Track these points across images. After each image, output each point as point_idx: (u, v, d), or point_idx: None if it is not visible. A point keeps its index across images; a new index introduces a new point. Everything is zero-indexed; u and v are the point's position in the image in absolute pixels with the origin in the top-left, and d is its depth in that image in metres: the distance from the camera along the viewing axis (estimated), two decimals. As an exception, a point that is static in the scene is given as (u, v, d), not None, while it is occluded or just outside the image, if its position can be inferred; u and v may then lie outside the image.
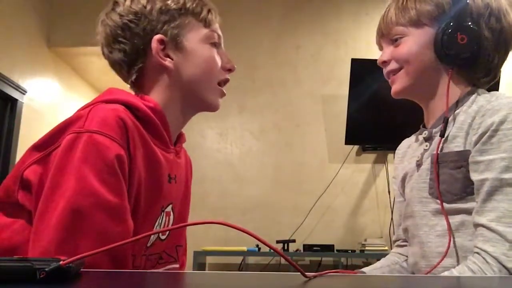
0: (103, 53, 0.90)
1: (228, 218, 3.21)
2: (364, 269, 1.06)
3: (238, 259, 3.17)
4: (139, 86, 0.90)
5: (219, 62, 0.91)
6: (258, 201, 3.31)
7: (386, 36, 0.99)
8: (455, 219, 0.86)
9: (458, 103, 0.92)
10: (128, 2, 0.87)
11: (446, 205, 0.87)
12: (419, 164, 0.95)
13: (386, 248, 3.04)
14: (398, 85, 0.97)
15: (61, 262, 0.42)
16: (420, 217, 0.93)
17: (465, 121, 0.88)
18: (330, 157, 3.39)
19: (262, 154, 3.42)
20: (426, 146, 0.95)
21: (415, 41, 0.94)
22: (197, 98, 0.91)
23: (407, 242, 1.03)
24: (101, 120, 0.71)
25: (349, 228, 3.28)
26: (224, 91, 0.94)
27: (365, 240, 3.11)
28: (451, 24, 0.90)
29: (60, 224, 0.65)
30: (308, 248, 3.02)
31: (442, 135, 0.90)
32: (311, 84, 3.49)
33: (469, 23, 0.90)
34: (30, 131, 3.48)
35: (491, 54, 0.92)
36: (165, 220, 0.87)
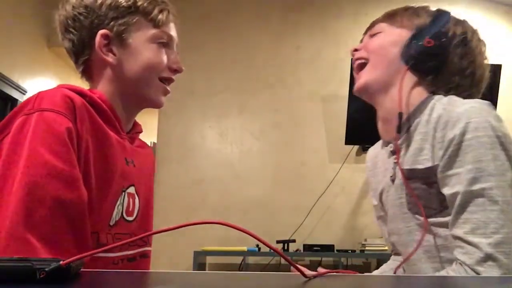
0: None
1: (228, 218, 3.21)
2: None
3: (238, 259, 3.17)
4: (88, 77, 0.94)
5: (165, 61, 0.93)
6: (258, 201, 3.31)
7: (368, 31, 1.03)
8: (440, 233, 0.87)
9: (415, 112, 0.93)
10: None
11: (427, 220, 0.87)
12: (393, 180, 0.96)
13: (386, 248, 3.04)
14: (362, 79, 0.99)
15: (61, 262, 0.42)
16: (406, 234, 0.93)
17: (428, 133, 0.88)
18: (330, 157, 3.39)
19: (262, 154, 3.43)
20: (395, 159, 0.95)
21: (388, 37, 0.97)
22: (137, 94, 0.93)
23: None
24: (49, 99, 0.76)
25: (349, 228, 3.29)
26: (168, 89, 0.96)
27: (365, 240, 3.11)
28: (425, 29, 0.93)
29: (17, 198, 0.68)
30: (308, 248, 3.02)
31: (398, 131, 0.91)
32: (311, 84, 3.49)
33: (441, 34, 0.92)
34: (30, 131, 3.48)
35: (453, 73, 0.93)
36: (130, 202, 0.90)
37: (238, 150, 3.45)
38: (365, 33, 1.04)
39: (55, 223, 0.70)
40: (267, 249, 2.96)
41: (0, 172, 0.71)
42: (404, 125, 0.93)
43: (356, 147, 3.37)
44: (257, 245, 2.98)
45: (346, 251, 3.04)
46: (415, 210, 0.89)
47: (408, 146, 0.91)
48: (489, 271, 0.77)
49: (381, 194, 1.03)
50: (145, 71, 0.91)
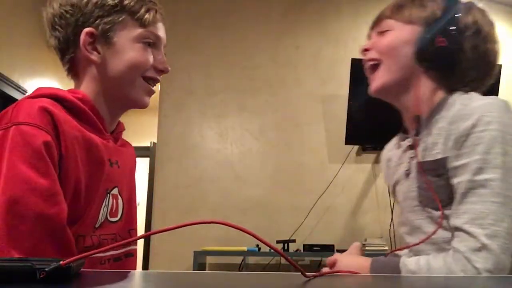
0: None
1: (228, 218, 3.20)
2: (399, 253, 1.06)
3: (238, 259, 3.17)
4: (73, 75, 0.94)
5: (150, 60, 0.92)
6: (258, 201, 3.31)
7: (376, 28, 1.01)
8: (447, 225, 0.87)
9: (436, 108, 0.93)
10: None
11: (437, 212, 0.87)
12: (408, 173, 0.96)
13: (386, 248, 3.04)
14: (377, 81, 0.98)
15: (61, 262, 0.42)
16: (415, 226, 0.94)
17: (443, 127, 0.89)
18: (330, 157, 3.39)
19: (262, 154, 3.42)
20: (413, 153, 0.95)
21: (399, 35, 0.96)
22: (121, 94, 0.92)
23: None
24: (26, 111, 0.75)
25: (349, 228, 3.28)
26: (153, 89, 0.95)
27: (365, 240, 3.11)
28: (435, 26, 0.91)
29: (0, 216, 0.68)
30: (308, 248, 3.02)
31: (416, 134, 0.92)
32: (311, 84, 3.49)
33: (452, 30, 0.91)
34: (30, 131, 3.48)
35: (469, 68, 0.93)
36: (113, 203, 0.90)
37: (238, 150, 3.45)
38: (372, 28, 1.03)
39: (37, 238, 0.70)
40: (267, 249, 2.95)
41: None
42: (425, 122, 0.93)
43: (356, 147, 3.37)
44: (257, 245, 2.98)
45: (346, 251, 3.04)
46: (426, 202, 0.89)
47: (417, 133, 0.92)
48: (482, 261, 0.77)
49: (394, 186, 1.03)
50: (129, 70, 0.90)
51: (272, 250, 0.50)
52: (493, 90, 0.95)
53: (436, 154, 0.88)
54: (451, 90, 0.94)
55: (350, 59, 3.18)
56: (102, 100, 0.91)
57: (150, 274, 0.62)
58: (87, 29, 0.88)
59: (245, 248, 2.98)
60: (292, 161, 3.39)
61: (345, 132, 3.19)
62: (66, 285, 0.42)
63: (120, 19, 0.90)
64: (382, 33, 0.99)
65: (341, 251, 3.19)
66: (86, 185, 0.80)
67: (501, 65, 3.54)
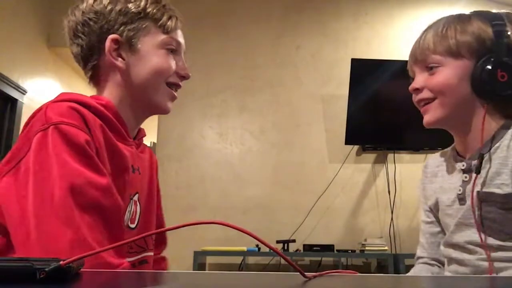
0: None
1: (228, 218, 3.21)
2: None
3: (238, 259, 3.17)
4: (95, 83, 0.95)
5: (173, 66, 0.93)
6: (258, 201, 3.31)
7: (420, 62, 0.97)
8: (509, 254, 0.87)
9: (494, 137, 0.91)
10: (91, 1, 0.91)
11: (500, 243, 0.87)
12: (461, 198, 0.94)
13: (386, 248, 3.04)
14: (431, 116, 0.95)
15: (61, 262, 0.42)
16: (472, 253, 0.92)
17: (507, 157, 0.88)
18: (330, 157, 3.39)
19: (262, 154, 3.42)
20: (466, 178, 0.94)
21: (452, 73, 0.92)
22: (145, 100, 0.93)
23: (440, 264, 1.03)
24: (59, 113, 0.75)
25: (349, 228, 3.28)
26: (175, 94, 0.96)
27: (365, 240, 3.11)
28: (491, 59, 0.89)
29: (66, 207, 0.68)
30: (308, 248, 3.02)
31: (477, 172, 0.89)
32: (311, 84, 3.49)
33: (510, 61, 0.89)
34: (30, 131, 3.47)
35: None
36: (134, 209, 0.91)
37: (238, 150, 3.45)
38: (414, 62, 0.98)
39: (100, 228, 0.71)
40: (267, 249, 2.95)
41: (35, 191, 0.70)
42: (483, 148, 0.91)
43: (356, 147, 3.37)
44: (257, 245, 2.98)
45: (346, 251, 3.04)
46: (489, 232, 0.88)
47: (478, 171, 0.90)
48: None
49: (437, 203, 1.02)
50: (153, 76, 0.91)
51: (272, 250, 0.50)
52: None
53: (502, 185, 0.87)
54: (508, 117, 0.93)
55: (350, 59, 3.18)
56: (126, 106, 0.91)
57: (150, 274, 0.62)
58: (112, 36, 0.88)
59: (245, 248, 2.98)
60: (292, 161, 3.39)
61: (345, 132, 3.19)
62: (66, 285, 0.42)
63: (144, 26, 0.91)
64: (429, 68, 0.95)
65: (341, 251, 3.20)
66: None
67: None
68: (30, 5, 3.55)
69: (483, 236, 0.89)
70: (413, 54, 0.98)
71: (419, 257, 1.07)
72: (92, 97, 0.89)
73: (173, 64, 0.93)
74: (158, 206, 1.12)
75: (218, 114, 3.48)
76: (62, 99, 0.81)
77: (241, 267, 3.12)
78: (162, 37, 0.92)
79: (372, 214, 3.30)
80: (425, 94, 0.95)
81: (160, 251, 1.17)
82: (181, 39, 0.97)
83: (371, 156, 3.38)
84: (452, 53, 0.92)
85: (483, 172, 0.90)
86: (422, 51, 0.96)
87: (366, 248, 3.02)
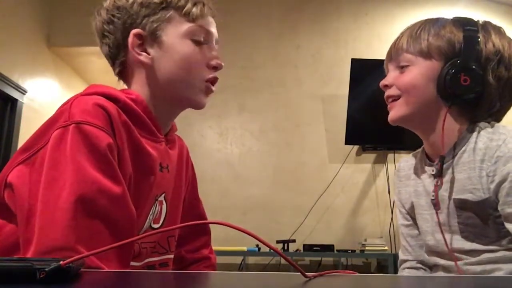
0: None
1: (228, 218, 3.21)
2: None
3: (238, 259, 3.17)
4: (124, 79, 0.91)
5: (202, 59, 0.89)
6: (258, 201, 3.31)
7: (394, 61, 0.99)
8: (495, 254, 0.87)
9: (460, 141, 0.92)
10: None
11: (484, 247, 0.88)
12: (435, 203, 0.94)
13: (386, 248, 3.04)
14: (395, 112, 0.97)
15: (61, 262, 0.42)
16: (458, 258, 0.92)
17: (474, 161, 0.88)
18: (330, 157, 3.39)
19: (262, 154, 3.42)
20: (438, 183, 0.94)
21: (420, 72, 0.94)
22: (175, 94, 0.88)
23: (425, 267, 1.02)
24: (84, 110, 0.71)
25: (349, 228, 3.28)
26: (213, 88, 0.93)
27: (365, 240, 3.11)
28: (458, 63, 0.90)
29: (68, 213, 0.64)
30: (308, 248, 3.02)
31: (439, 175, 0.91)
32: (311, 84, 3.49)
33: (475, 66, 0.89)
34: (30, 131, 3.44)
35: (494, 100, 0.92)
36: (158, 209, 0.86)
37: (238, 150, 3.45)
38: (389, 60, 1.01)
39: (104, 239, 0.66)
40: (267, 249, 2.95)
41: (44, 188, 0.66)
42: (449, 154, 0.92)
43: (356, 147, 3.37)
44: (257, 245, 2.98)
45: (346, 251, 3.04)
46: (472, 238, 0.89)
47: (453, 173, 0.91)
48: None
49: (412, 207, 1.03)
50: (180, 68, 0.86)
51: (272, 250, 0.50)
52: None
53: (475, 190, 0.87)
54: (473, 120, 0.93)
55: (350, 59, 3.19)
56: (157, 101, 0.87)
57: (150, 274, 0.62)
58: (134, 31, 0.85)
59: (245, 248, 2.98)
60: (292, 161, 3.39)
61: (345, 132, 3.19)
62: (66, 285, 0.41)
63: (167, 16, 0.86)
64: (400, 67, 0.97)
65: (341, 251, 3.20)
66: (134, 191, 0.76)
67: None
68: (30, 5, 3.55)
69: (463, 242, 0.89)
70: (389, 52, 1.01)
71: (403, 260, 1.06)
72: (122, 90, 0.85)
73: (201, 56, 0.88)
74: (195, 197, 1.08)
75: (218, 114, 3.47)
76: (91, 92, 0.77)
77: (241, 267, 3.12)
78: (188, 25, 0.87)
79: (372, 214, 3.30)
80: (393, 91, 0.97)
81: (201, 243, 1.15)
82: (210, 27, 0.91)
83: (371, 156, 3.38)
84: (423, 54, 0.94)
85: (451, 177, 0.90)
86: (396, 50, 0.98)
87: (366, 248, 3.02)
